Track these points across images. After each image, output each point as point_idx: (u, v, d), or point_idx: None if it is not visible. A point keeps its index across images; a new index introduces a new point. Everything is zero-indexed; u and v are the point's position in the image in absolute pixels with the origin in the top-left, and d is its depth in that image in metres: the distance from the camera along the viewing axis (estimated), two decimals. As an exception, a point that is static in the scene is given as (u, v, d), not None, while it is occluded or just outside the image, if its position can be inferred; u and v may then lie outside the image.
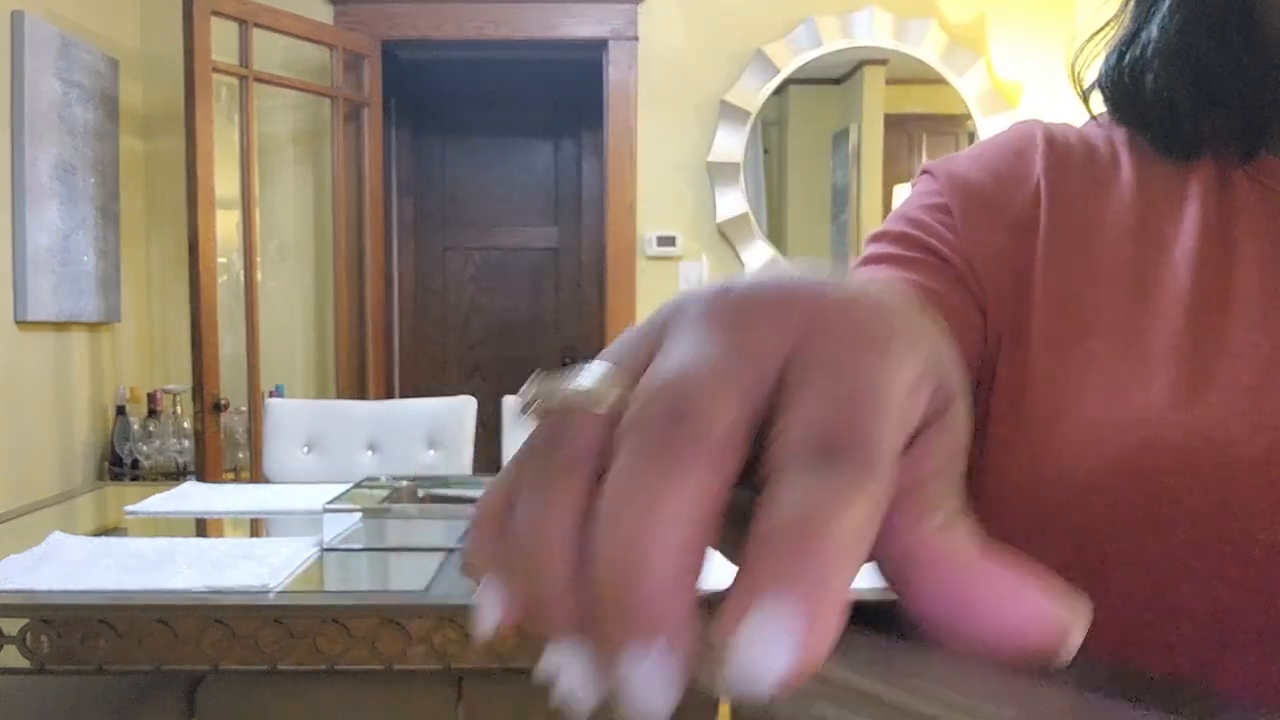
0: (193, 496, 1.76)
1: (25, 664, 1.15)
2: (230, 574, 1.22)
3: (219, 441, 2.45)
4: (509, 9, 2.80)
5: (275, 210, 2.83)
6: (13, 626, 1.15)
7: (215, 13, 2.37)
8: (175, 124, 2.54)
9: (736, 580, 0.16)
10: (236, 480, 2.50)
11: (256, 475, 2.40)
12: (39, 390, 2.33)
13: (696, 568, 0.17)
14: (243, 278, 2.55)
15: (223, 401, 2.44)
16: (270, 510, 1.69)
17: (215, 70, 2.39)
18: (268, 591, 1.18)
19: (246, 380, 2.53)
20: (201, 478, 2.33)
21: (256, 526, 1.65)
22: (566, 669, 0.18)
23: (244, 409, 2.56)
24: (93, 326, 2.56)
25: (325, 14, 2.77)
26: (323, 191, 2.86)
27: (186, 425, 2.60)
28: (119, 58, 2.65)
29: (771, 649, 0.15)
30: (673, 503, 0.16)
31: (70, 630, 1.15)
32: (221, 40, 2.42)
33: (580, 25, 2.81)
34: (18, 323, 2.24)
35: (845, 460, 0.16)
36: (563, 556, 0.17)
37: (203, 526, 1.63)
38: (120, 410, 2.59)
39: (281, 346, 2.83)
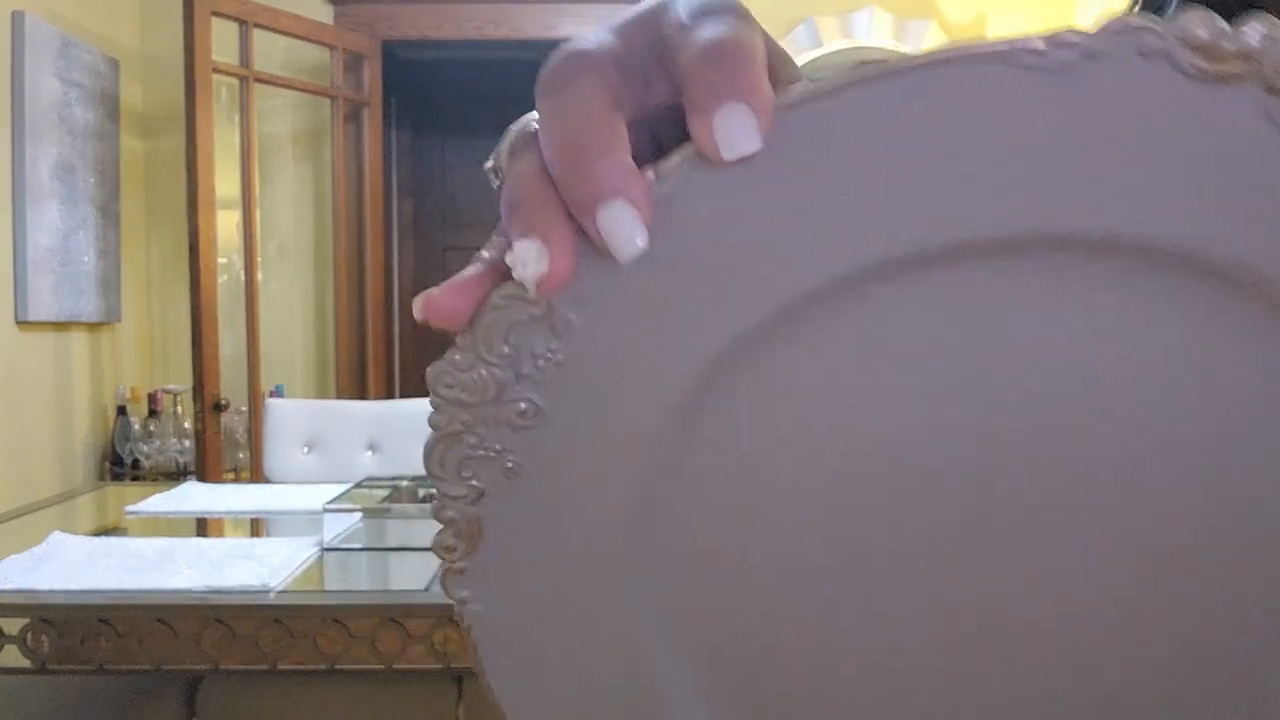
0: (193, 496, 1.76)
1: (26, 664, 1.16)
2: (230, 574, 1.22)
3: (219, 441, 2.45)
4: (509, 9, 2.80)
5: (275, 210, 2.83)
6: (13, 626, 1.15)
7: (215, 13, 2.38)
8: (175, 124, 2.54)
9: (691, 101, 0.22)
10: (237, 480, 2.50)
11: (257, 475, 2.40)
12: (39, 390, 2.33)
13: (623, 138, 0.22)
14: (243, 278, 2.56)
15: (223, 401, 2.45)
16: (270, 510, 1.69)
17: (215, 70, 2.39)
18: (268, 591, 1.19)
19: (247, 380, 2.53)
20: (202, 478, 2.34)
21: (257, 526, 1.65)
22: (525, 251, 0.23)
23: (244, 409, 2.56)
24: (93, 326, 2.56)
25: (325, 14, 2.77)
26: (323, 191, 2.86)
27: (187, 425, 2.60)
28: (119, 58, 2.66)
29: (738, 127, 0.22)
30: (581, 101, 0.23)
31: (70, 630, 1.15)
32: (222, 40, 2.42)
33: (580, 25, 2.81)
34: (18, 323, 2.24)
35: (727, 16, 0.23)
36: (541, 180, 0.23)
37: (203, 526, 1.64)
38: (120, 410, 2.59)
39: (282, 346, 2.83)
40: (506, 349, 0.25)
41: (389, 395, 3.21)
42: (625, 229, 0.22)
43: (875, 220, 0.24)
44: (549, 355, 0.25)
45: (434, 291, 0.25)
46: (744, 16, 0.23)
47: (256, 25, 2.50)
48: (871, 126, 0.23)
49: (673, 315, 0.25)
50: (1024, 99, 0.23)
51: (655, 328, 0.25)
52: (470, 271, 0.25)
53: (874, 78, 0.23)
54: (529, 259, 0.23)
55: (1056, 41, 0.23)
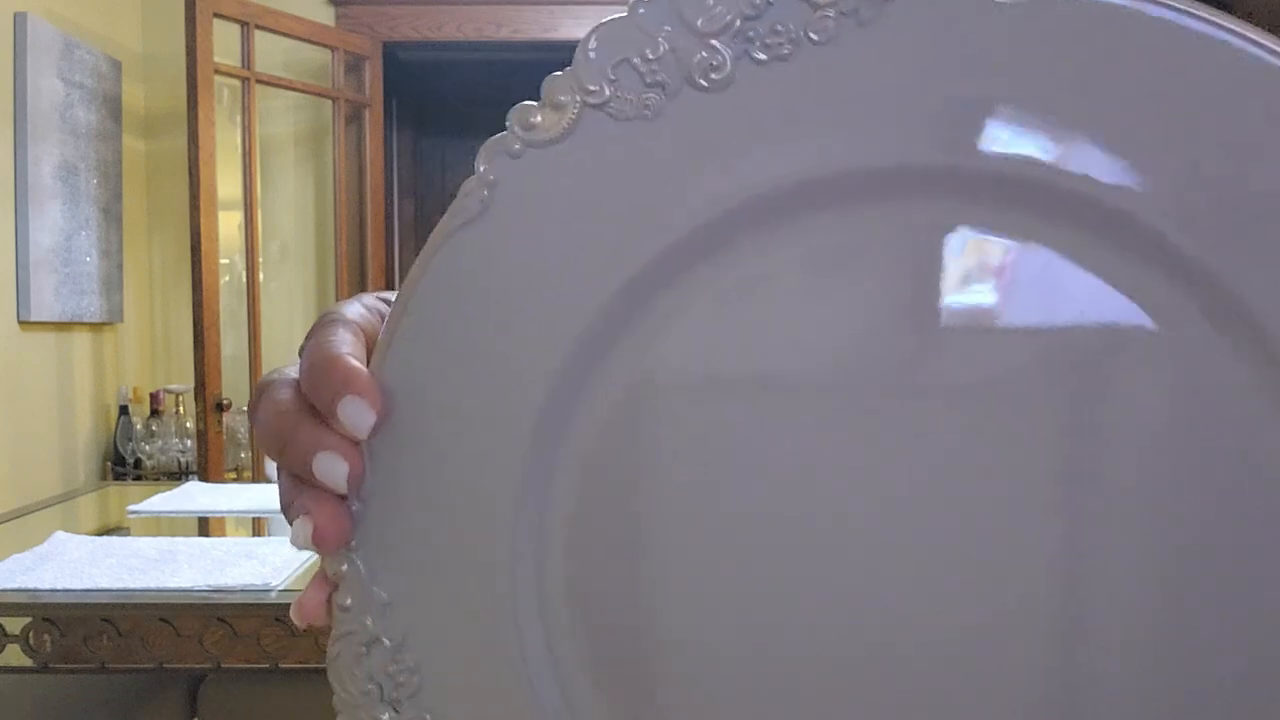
0: (195, 496, 1.77)
1: (28, 663, 1.16)
2: (232, 573, 1.23)
3: (221, 441, 2.45)
4: (510, 10, 2.81)
5: (277, 211, 2.84)
6: (15, 625, 1.16)
7: (217, 14, 2.38)
8: (177, 125, 2.55)
9: None
10: (239, 480, 2.50)
11: (259, 475, 2.41)
12: (41, 390, 2.34)
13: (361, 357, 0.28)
14: (245, 278, 2.56)
15: (225, 401, 2.45)
16: (272, 510, 1.70)
17: (217, 72, 2.40)
18: (270, 590, 1.19)
19: (249, 380, 2.53)
20: (204, 477, 2.34)
21: (258, 526, 1.66)
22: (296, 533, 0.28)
23: (246, 409, 2.56)
24: (95, 326, 2.57)
25: (327, 15, 2.77)
26: (324, 192, 2.86)
27: (189, 425, 2.60)
28: (121, 59, 2.66)
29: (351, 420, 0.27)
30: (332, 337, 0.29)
31: (72, 629, 1.16)
32: (223, 42, 2.42)
33: (581, 26, 2.81)
34: (20, 323, 2.24)
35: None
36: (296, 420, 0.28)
37: (205, 526, 1.64)
38: (123, 410, 2.59)
39: (283, 347, 2.83)
40: (370, 686, 0.29)
41: (390, 395, 3.21)
42: (355, 408, 0.27)
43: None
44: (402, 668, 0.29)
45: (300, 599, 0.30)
46: (323, 323, 0.30)
47: (258, 27, 2.50)
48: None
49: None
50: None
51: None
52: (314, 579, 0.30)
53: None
54: (299, 539, 0.28)
55: None
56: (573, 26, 2.81)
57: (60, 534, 1.41)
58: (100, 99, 2.54)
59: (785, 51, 0.25)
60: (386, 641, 0.29)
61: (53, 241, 2.33)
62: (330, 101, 2.75)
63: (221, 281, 2.54)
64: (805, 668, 0.28)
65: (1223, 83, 0.23)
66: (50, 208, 2.33)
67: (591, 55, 0.26)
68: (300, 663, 1.16)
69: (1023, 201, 0.25)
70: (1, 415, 2.16)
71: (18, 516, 1.69)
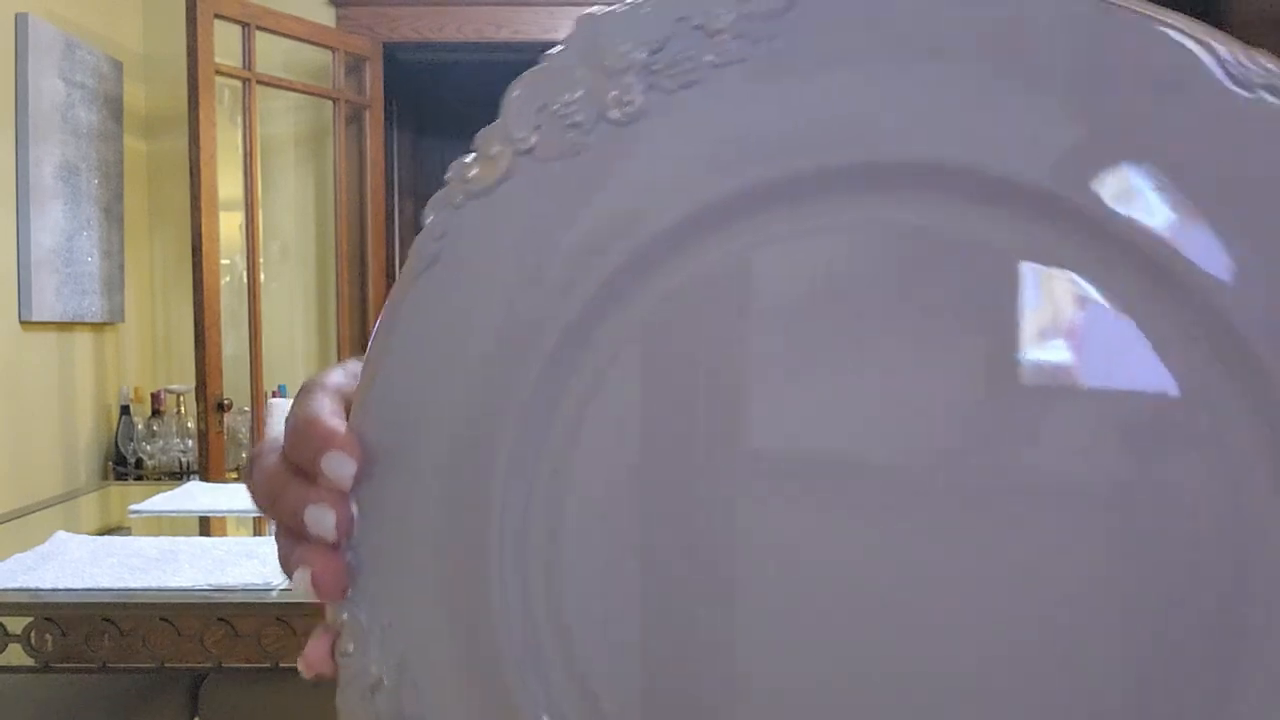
0: (196, 496, 1.77)
1: (29, 662, 1.16)
2: (233, 573, 1.23)
3: (222, 441, 2.45)
4: (510, 12, 2.81)
5: (278, 211, 2.84)
6: (16, 625, 1.16)
7: (218, 15, 2.38)
8: (178, 125, 2.55)
9: None
10: (239, 480, 2.50)
11: (259, 475, 2.40)
12: (43, 390, 2.34)
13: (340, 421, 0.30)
14: (245, 278, 2.56)
15: (226, 401, 2.45)
16: (273, 510, 1.70)
17: (218, 72, 2.40)
18: (270, 590, 1.19)
19: (249, 380, 2.54)
20: (205, 477, 2.34)
21: (259, 525, 1.66)
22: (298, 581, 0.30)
23: (247, 409, 2.57)
24: (96, 326, 2.57)
25: (327, 16, 2.77)
26: (325, 193, 2.87)
27: (190, 425, 2.61)
28: (122, 59, 2.66)
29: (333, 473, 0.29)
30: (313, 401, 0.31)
31: (74, 628, 1.16)
32: (224, 42, 2.43)
33: (581, 27, 2.81)
34: (22, 323, 2.25)
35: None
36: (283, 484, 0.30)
37: (206, 525, 1.64)
38: (124, 410, 2.60)
39: (284, 347, 2.83)
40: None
41: (391, 396, 3.21)
42: (336, 461, 0.29)
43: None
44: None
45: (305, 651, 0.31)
46: (304, 391, 0.32)
47: (259, 28, 2.50)
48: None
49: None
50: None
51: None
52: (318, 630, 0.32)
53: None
54: (299, 588, 0.30)
55: None
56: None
57: (61, 534, 1.41)
58: (101, 99, 2.55)
59: (692, 79, 0.26)
60: (388, 682, 0.30)
61: (54, 242, 2.34)
62: (331, 102, 2.76)
63: (222, 282, 2.54)
64: (802, 686, 0.28)
65: None
66: (51, 208, 2.33)
67: (516, 105, 0.28)
68: (301, 662, 1.17)
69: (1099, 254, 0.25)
70: (3, 415, 2.16)
71: (19, 516, 1.69)
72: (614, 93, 0.26)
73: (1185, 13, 0.23)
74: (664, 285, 0.27)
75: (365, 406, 0.30)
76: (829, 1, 0.25)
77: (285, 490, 0.30)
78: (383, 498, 0.29)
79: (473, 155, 0.28)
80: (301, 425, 0.30)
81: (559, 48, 0.27)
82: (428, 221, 0.29)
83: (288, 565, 0.30)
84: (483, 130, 0.28)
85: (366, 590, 0.30)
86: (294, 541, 0.30)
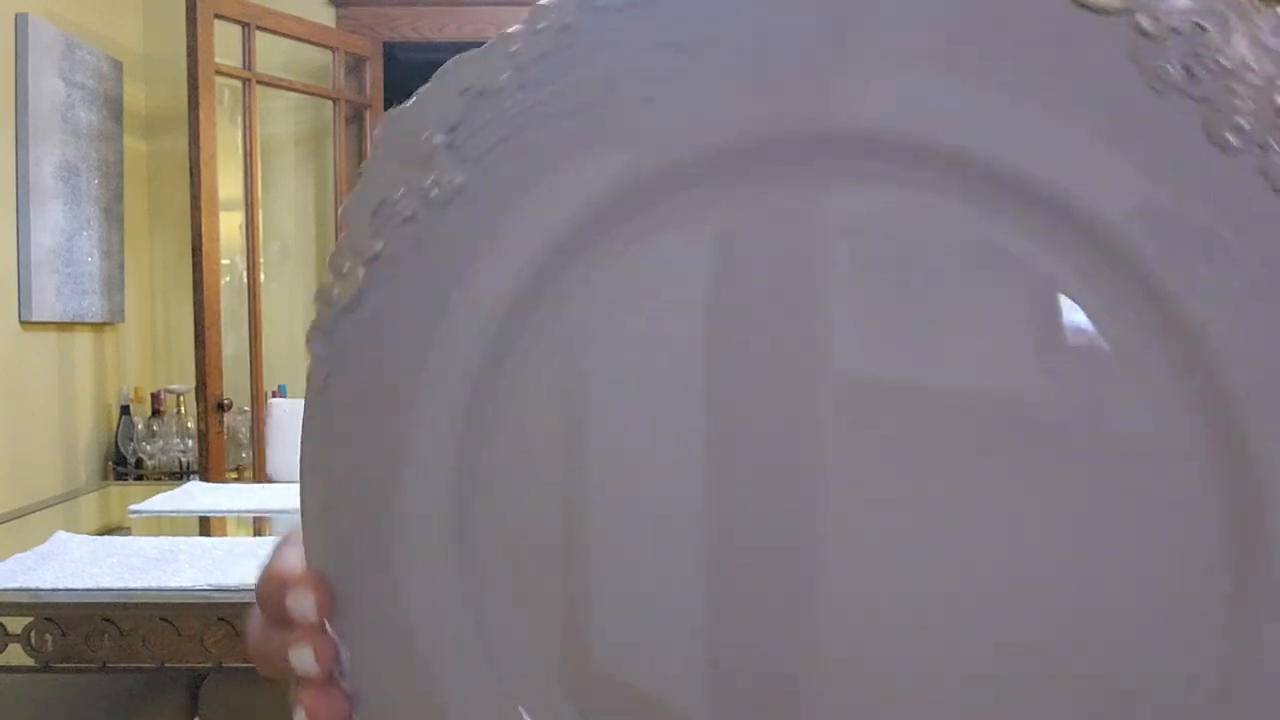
0: (196, 496, 1.77)
1: (29, 662, 1.16)
2: (233, 572, 1.23)
3: (222, 441, 2.46)
4: (510, 11, 2.80)
5: (278, 211, 2.84)
6: (16, 625, 1.16)
7: (218, 15, 2.38)
8: (178, 125, 2.55)
9: None
10: (239, 480, 2.51)
11: (259, 475, 2.41)
12: (43, 390, 2.34)
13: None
14: (245, 278, 2.56)
15: (226, 401, 2.45)
16: (273, 509, 1.70)
17: (218, 72, 2.40)
18: (270, 590, 1.19)
19: (249, 380, 2.54)
20: (205, 477, 2.34)
21: (260, 525, 1.66)
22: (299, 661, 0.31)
23: (247, 409, 2.57)
24: (96, 327, 2.57)
25: (327, 16, 2.78)
26: (325, 192, 2.87)
27: (190, 425, 2.61)
28: (122, 60, 2.66)
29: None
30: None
31: (74, 628, 1.16)
32: (224, 42, 2.43)
33: (581, 27, 2.81)
34: (21, 323, 2.25)
35: None
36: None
37: (206, 525, 1.64)
38: (124, 410, 2.60)
39: (284, 346, 2.83)
40: (452, 115, 0.28)
41: (391, 395, 3.21)
42: (296, 598, 0.30)
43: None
44: (490, 126, 0.28)
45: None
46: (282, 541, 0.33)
47: (259, 27, 2.50)
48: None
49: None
50: None
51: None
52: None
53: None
54: (303, 663, 0.31)
55: None
56: (573, 27, 2.81)
57: (61, 534, 1.41)
58: (101, 99, 2.55)
59: (497, 138, 0.27)
60: None
61: (54, 242, 2.34)
62: (331, 102, 2.76)
63: (222, 282, 2.54)
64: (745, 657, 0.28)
65: None
66: (51, 208, 2.33)
67: (352, 217, 0.29)
68: (301, 662, 1.17)
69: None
70: (3, 415, 2.16)
71: (19, 516, 1.69)
72: (431, 178, 0.28)
73: None
74: (546, 325, 0.28)
75: (309, 539, 0.31)
76: (598, 36, 0.26)
77: (268, 642, 0.32)
78: (357, 619, 0.30)
79: (331, 277, 0.29)
80: (263, 579, 0.32)
81: (371, 153, 0.28)
82: (311, 352, 0.30)
83: (294, 711, 0.32)
84: (331, 252, 0.29)
85: (370, 713, 0.31)
86: (293, 684, 0.32)
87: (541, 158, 0.27)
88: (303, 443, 0.30)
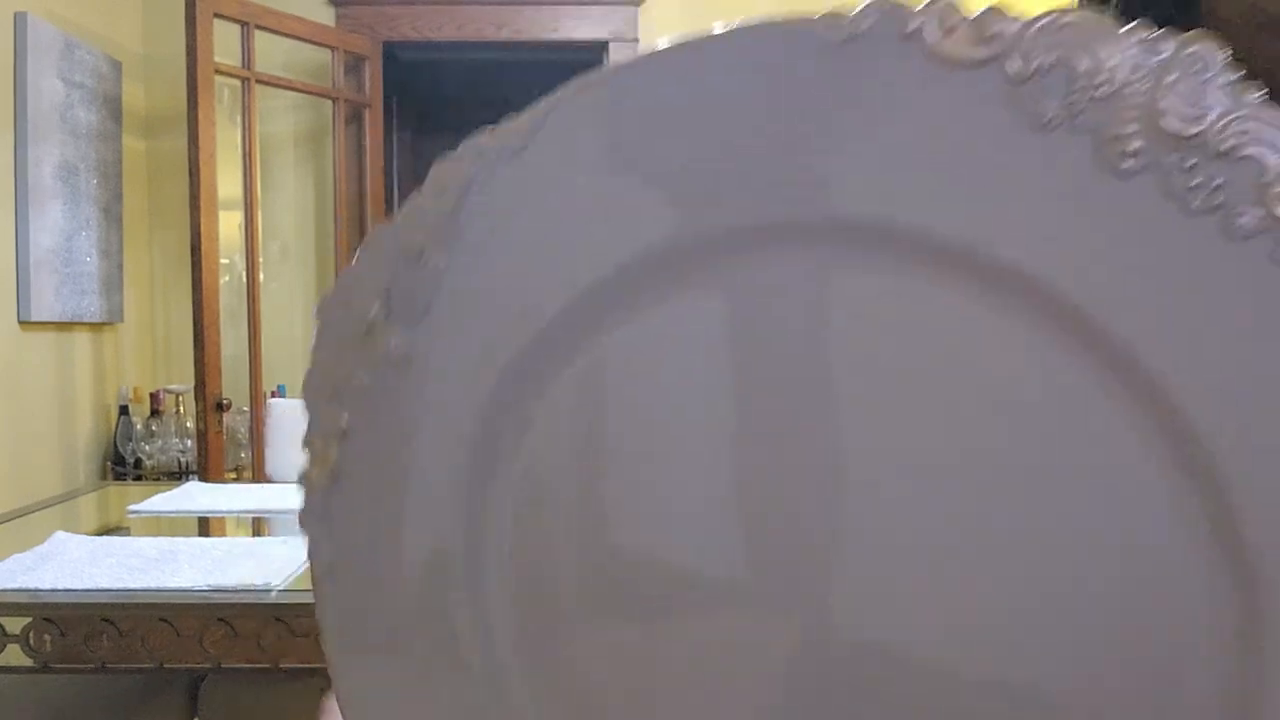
0: (195, 496, 1.77)
1: (28, 663, 1.16)
2: (232, 573, 1.23)
3: (221, 441, 2.45)
4: (510, 11, 2.81)
5: (277, 211, 2.84)
6: (15, 625, 1.16)
7: (217, 14, 2.38)
8: (178, 125, 2.55)
9: None
10: (239, 480, 2.50)
11: (259, 475, 2.41)
12: (42, 390, 2.34)
13: None
14: (245, 278, 2.56)
15: (225, 401, 2.45)
16: (272, 509, 1.70)
17: (217, 72, 2.40)
18: (270, 590, 1.19)
19: (249, 380, 2.53)
20: (204, 477, 2.34)
21: (259, 526, 1.66)
22: None
23: (246, 409, 2.57)
24: (95, 326, 2.57)
25: (327, 15, 2.77)
26: (324, 192, 2.87)
27: (189, 425, 2.61)
28: (121, 59, 2.66)
29: None
30: None
31: (73, 629, 1.16)
32: (223, 42, 2.42)
33: (581, 27, 2.82)
34: (20, 323, 2.24)
35: None
36: None
37: (205, 526, 1.64)
38: (123, 410, 2.59)
39: (283, 346, 2.83)
40: (383, 280, 0.29)
41: (390, 395, 3.21)
42: None
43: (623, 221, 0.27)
44: (417, 292, 0.28)
45: None
46: None
47: (258, 27, 2.50)
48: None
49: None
50: (803, 75, 0.24)
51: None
52: None
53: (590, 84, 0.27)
54: None
55: (828, 22, 0.24)
56: (573, 26, 2.82)
57: (60, 534, 1.41)
58: (100, 99, 2.54)
59: (428, 297, 0.28)
60: None
61: (53, 241, 2.33)
62: (330, 101, 2.75)
63: (222, 281, 2.54)
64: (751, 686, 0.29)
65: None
66: (50, 208, 2.33)
67: (313, 403, 0.30)
68: (300, 662, 1.16)
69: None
70: (2, 415, 2.16)
71: (18, 516, 1.69)
72: (377, 351, 0.28)
73: (1164, 13, 0.23)
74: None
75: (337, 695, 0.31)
76: (492, 195, 0.27)
77: None
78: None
79: (305, 460, 0.30)
80: None
81: (316, 337, 0.29)
82: (305, 535, 0.30)
83: None
84: (303, 437, 0.30)
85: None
86: None
87: (480, 305, 0.28)
88: (323, 632, 0.31)
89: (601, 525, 0.29)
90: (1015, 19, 0.23)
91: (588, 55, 2.91)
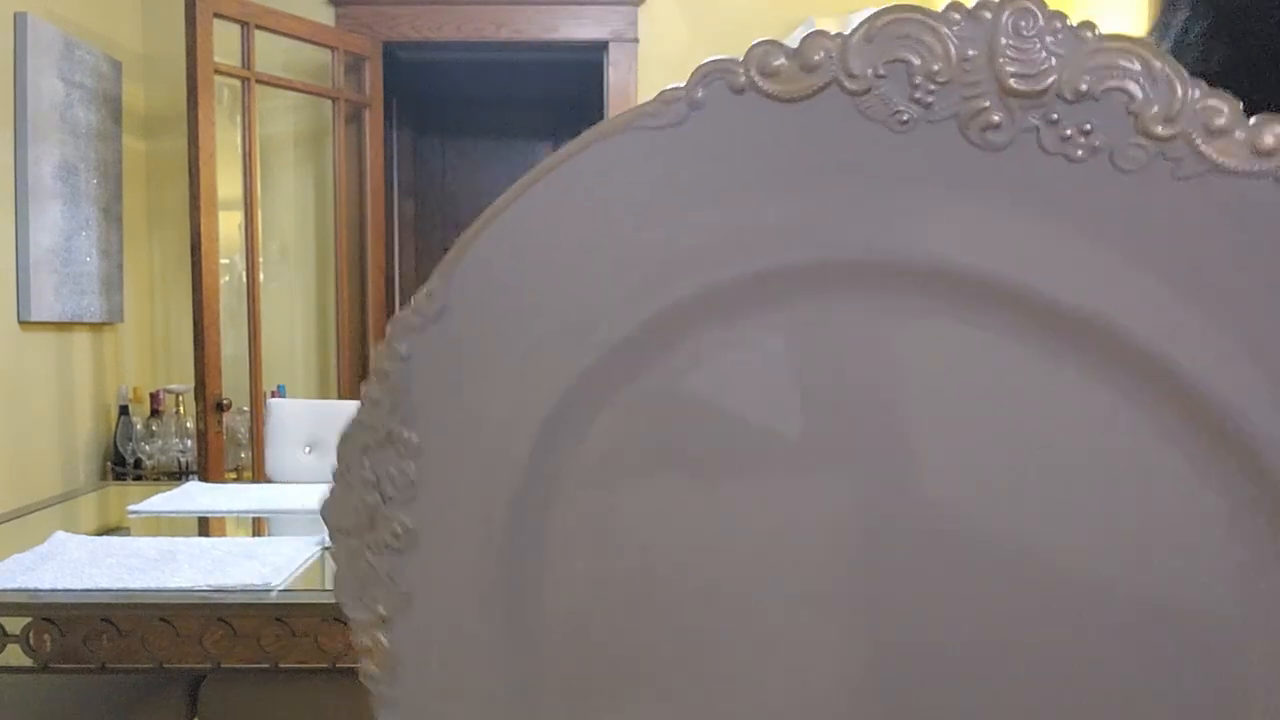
0: (195, 496, 1.77)
1: (28, 663, 1.16)
2: (232, 572, 1.23)
3: (221, 441, 2.45)
4: (509, 10, 2.81)
5: (277, 211, 2.84)
6: (15, 625, 1.16)
7: (217, 14, 2.38)
8: (178, 125, 2.55)
9: None
10: (238, 480, 2.50)
11: (258, 475, 2.41)
12: (42, 390, 2.34)
13: None
14: (245, 278, 2.56)
15: (225, 401, 2.45)
16: (272, 509, 1.70)
17: (217, 72, 2.40)
18: (269, 590, 1.19)
19: (249, 380, 2.53)
20: (204, 477, 2.34)
21: (258, 526, 1.66)
22: None
23: (246, 409, 2.56)
24: (95, 327, 2.57)
25: (327, 15, 2.77)
26: (324, 192, 2.87)
27: (189, 425, 2.61)
28: (121, 59, 2.66)
29: None
30: None
31: (73, 629, 1.16)
32: (223, 42, 2.42)
33: (580, 27, 2.81)
34: (21, 323, 2.24)
35: None
36: None
37: (205, 526, 1.64)
38: (123, 410, 2.59)
39: (283, 347, 2.83)
40: (369, 474, 0.28)
41: (390, 395, 3.21)
42: None
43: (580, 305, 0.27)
44: (404, 474, 0.28)
45: None
46: None
47: (258, 27, 2.50)
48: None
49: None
50: (658, 157, 0.25)
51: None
52: None
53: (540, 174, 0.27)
54: None
55: (663, 101, 0.25)
56: (572, 27, 2.81)
57: (60, 534, 1.41)
58: (100, 99, 2.54)
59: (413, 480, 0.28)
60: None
61: (53, 242, 2.33)
62: (330, 101, 2.75)
63: (221, 281, 2.54)
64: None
65: None
66: (50, 208, 2.33)
67: (348, 600, 0.30)
68: (300, 662, 1.16)
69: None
70: (2, 415, 2.16)
71: (18, 516, 1.69)
72: (384, 532, 0.29)
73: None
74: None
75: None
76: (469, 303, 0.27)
77: None
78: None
79: (356, 639, 0.31)
80: None
81: (334, 544, 0.29)
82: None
83: None
84: (350, 634, 0.31)
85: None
86: None
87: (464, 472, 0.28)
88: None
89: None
90: (835, 37, 0.23)
91: (587, 55, 2.91)
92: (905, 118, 0.23)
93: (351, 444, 0.29)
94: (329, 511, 0.29)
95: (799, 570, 0.27)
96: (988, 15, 0.22)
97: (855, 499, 0.27)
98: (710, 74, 0.25)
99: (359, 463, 0.29)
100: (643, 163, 0.25)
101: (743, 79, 0.25)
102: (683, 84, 0.25)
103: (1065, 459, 0.25)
